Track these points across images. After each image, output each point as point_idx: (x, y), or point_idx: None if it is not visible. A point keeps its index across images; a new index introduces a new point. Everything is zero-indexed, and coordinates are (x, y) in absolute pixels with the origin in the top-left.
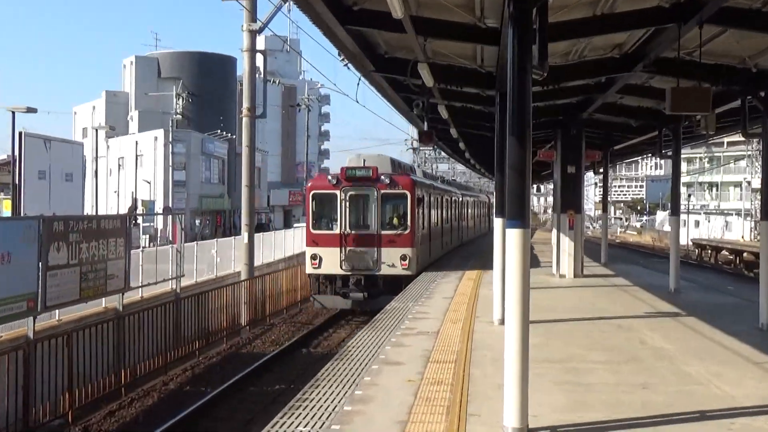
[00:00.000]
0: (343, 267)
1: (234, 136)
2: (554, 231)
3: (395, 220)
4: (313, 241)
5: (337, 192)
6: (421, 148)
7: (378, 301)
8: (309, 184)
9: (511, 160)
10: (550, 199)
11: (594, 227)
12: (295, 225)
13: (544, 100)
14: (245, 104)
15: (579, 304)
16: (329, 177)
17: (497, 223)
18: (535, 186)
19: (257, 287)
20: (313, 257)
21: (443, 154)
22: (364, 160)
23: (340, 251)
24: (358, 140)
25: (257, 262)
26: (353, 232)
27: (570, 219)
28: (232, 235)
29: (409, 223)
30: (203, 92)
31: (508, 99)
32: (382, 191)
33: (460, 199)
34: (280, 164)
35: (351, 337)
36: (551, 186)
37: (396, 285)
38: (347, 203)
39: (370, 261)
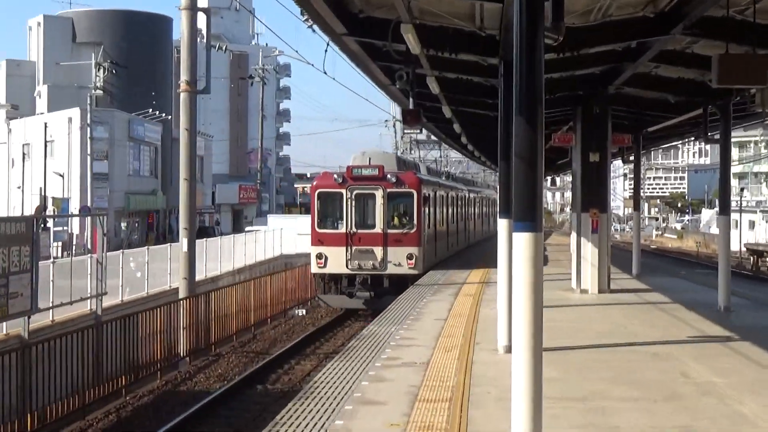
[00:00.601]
0: (349, 266)
1: (170, 117)
2: (573, 235)
3: (401, 219)
4: (318, 240)
5: (343, 191)
6: (406, 132)
7: (384, 300)
8: (314, 183)
9: (519, 147)
10: (568, 194)
11: (623, 230)
12: (248, 228)
13: (559, 70)
14: (183, 76)
15: (605, 328)
16: (335, 176)
17: (502, 225)
18: (549, 178)
19: (200, 307)
20: (319, 256)
21: (434, 138)
22: (370, 159)
23: (346, 250)
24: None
25: (200, 276)
26: (359, 231)
27: (593, 220)
28: (168, 241)
29: (415, 222)
30: (130, 61)
31: (515, 69)
32: (389, 190)
33: (467, 196)
34: (228, 152)
35: (319, 370)
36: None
37: (402, 284)
38: (353, 202)
39: (376, 260)
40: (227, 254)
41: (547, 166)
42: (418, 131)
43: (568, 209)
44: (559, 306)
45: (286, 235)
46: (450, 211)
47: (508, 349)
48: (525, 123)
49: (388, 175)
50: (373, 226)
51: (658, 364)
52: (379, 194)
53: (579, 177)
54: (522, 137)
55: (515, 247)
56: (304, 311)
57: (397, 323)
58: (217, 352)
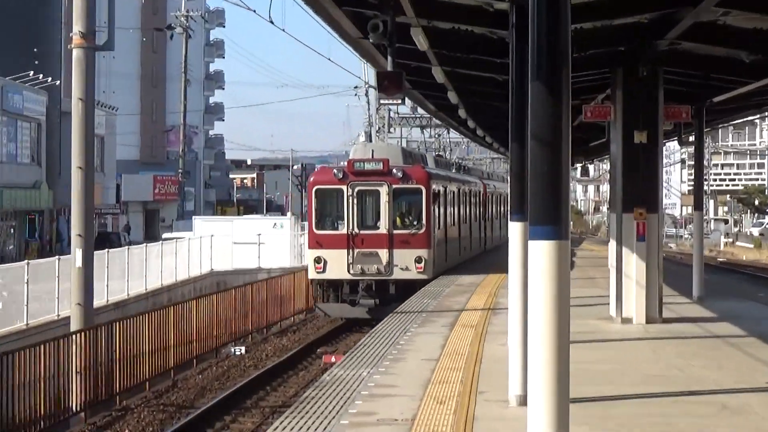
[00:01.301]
0: (351, 271)
1: (58, 83)
2: (612, 243)
3: (409, 219)
4: (316, 242)
5: (344, 187)
6: (383, 102)
7: (390, 308)
8: (311, 178)
9: (537, 123)
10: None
11: (680, 236)
12: (166, 236)
13: (593, 18)
14: (76, 26)
15: (655, 370)
16: (335, 170)
17: (514, 230)
18: (578, 166)
19: (100, 344)
20: (317, 260)
21: (422, 111)
22: (373, 151)
23: (348, 253)
24: (273, 89)
25: (99, 300)
26: (362, 231)
27: (639, 223)
28: (57, 253)
29: (424, 221)
30: (0, 6)
31: (531, 16)
32: (394, 186)
33: (483, 191)
34: (140, 131)
35: (263, 430)
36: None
37: (410, 291)
38: (355, 200)
39: (381, 264)
40: (138, 271)
41: (576, 149)
42: (399, 102)
43: (604, 208)
44: (593, 341)
45: (218, 244)
46: (463, 209)
47: (523, 401)
48: (545, 91)
49: (394, 170)
50: (378, 227)
51: (729, 419)
52: (383, 191)
53: (619, 164)
54: (541, 110)
55: (532, 260)
56: (242, 349)
57: (371, 364)
58: (123, 406)
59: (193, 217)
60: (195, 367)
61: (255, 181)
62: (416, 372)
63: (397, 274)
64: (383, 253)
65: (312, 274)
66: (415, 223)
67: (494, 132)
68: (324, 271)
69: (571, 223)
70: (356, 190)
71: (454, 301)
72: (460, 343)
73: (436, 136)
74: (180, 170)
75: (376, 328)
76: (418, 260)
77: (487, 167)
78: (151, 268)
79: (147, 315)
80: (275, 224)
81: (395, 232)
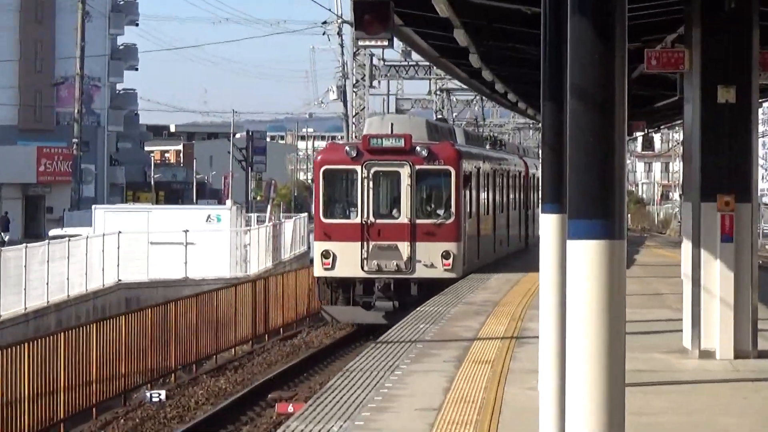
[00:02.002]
0: (366, 268)
1: None
2: (686, 245)
3: (435, 206)
4: (324, 233)
5: (358, 168)
6: (362, 44)
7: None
8: (319, 158)
9: (580, 76)
10: (677, 167)
11: None
12: (54, 232)
13: None
14: None
15: (747, 426)
16: (347, 148)
17: (546, 226)
18: (638, 136)
19: None
20: (325, 255)
21: (417, 57)
22: (392, 125)
23: (362, 247)
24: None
25: None
26: (379, 221)
27: (725, 216)
28: None
29: (453, 209)
30: None
31: None
32: (418, 167)
33: (523, 171)
34: (17, 85)
35: None
36: (679, 136)
37: (435, 292)
38: (371, 183)
39: (401, 259)
40: (14, 283)
41: (635, 112)
42: (386, 44)
43: (676, 195)
44: (659, 383)
45: (129, 245)
46: (500, 195)
47: None
48: (590, 29)
49: (417, 147)
50: (398, 215)
51: None
52: (405, 172)
53: (697, 133)
54: (584, 57)
55: (572, 268)
56: (162, 393)
57: (344, 416)
58: None
59: (94, 206)
60: (94, 419)
61: (181, 155)
62: (409, 428)
63: (420, 272)
64: (404, 247)
65: (319, 271)
66: (442, 211)
67: (520, 88)
68: (333, 267)
69: (628, 216)
70: (372, 171)
71: (462, 326)
72: (470, 387)
73: (437, 92)
74: (75, 140)
75: (352, 363)
76: (446, 255)
77: (510, 138)
78: (33, 279)
79: (25, 345)
80: (209, 217)
81: (418, 221)
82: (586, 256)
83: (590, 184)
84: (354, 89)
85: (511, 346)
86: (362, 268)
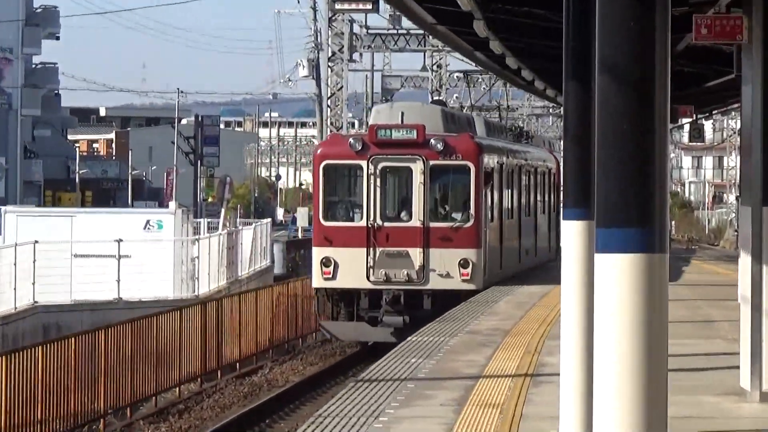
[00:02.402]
0: (372, 278)
1: None
2: (745, 260)
3: (452, 207)
4: (324, 238)
5: (363, 163)
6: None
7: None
8: (318, 151)
9: (611, 47)
10: (732, 162)
11: None
12: None
13: None
14: None
15: None
16: (351, 140)
17: (569, 232)
18: (685, 124)
19: None
20: (325, 263)
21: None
22: (403, 113)
23: (368, 254)
24: None
25: None
26: (387, 224)
27: None
28: None
29: (473, 211)
30: None
31: None
32: (433, 162)
33: (554, 168)
34: None
35: None
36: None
37: (451, 305)
38: (378, 180)
39: (412, 268)
40: None
41: (679, 94)
42: (368, 6)
43: (732, 198)
44: None
45: (47, 257)
46: (527, 195)
47: None
48: None
49: (432, 140)
50: (409, 218)
51: None
52: (417, 168)
53: (758, 121)
54: (617, 24)
55: (600, 288)
56: None
57: None
58: None
59: (3, 208)
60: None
61: (113, 146)
62: None
63: (435, 283)
64: (415, 254)
65: (318, 281)
66: (459, 213)
67: (537, 63)
68: (334, 277)
69: (672, 223)
70: (380, 167)
71: (464, 360)
72: None
73: (435, 68)
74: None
75: (326, 407)
76: (464, 264)
77: (525, 125)
78: None
79: None
80: (148, 223)
81: (432, 225)
82: (619, 273)
83: (624, 183)
84: (330, 64)
85: (525, 385)
86: (368, 278)
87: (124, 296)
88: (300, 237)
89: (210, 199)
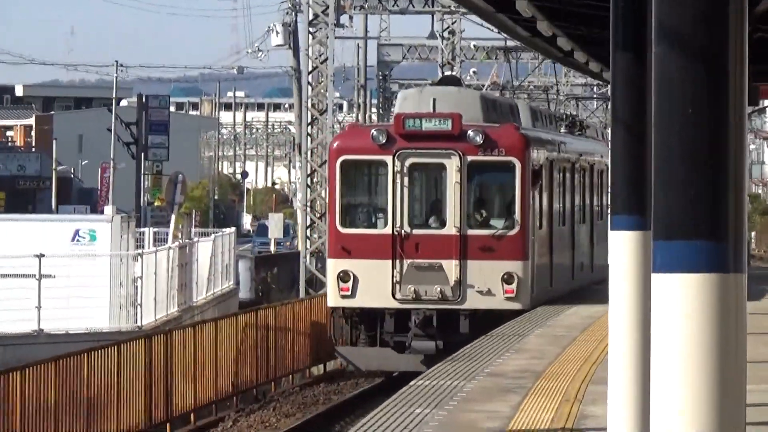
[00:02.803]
0: (399, 295)
1: None
2: None
3: (493, 212)
4: (342, 248)
5: (388, 159)
6: None
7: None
8: (335, 144)
9: (670, 5)
10: None
11: None
12: None
13: None
14: None
15: None
16: (373, 132)
17: (619, 245)
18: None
19: None
20: (342, 277)
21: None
22: (434, 100)
23: (393, 266)
24: None
25: None
26: (417, 231)
27: None
28: None
29: (518, 216)
30: None
31: None
32: (471, 158)
33: None
34: None
35: None
36: None
37: (492, 328)
38: (406, 179)
39: (446, 284)
40: None
41: (761, 68)
42: None
43: None
44: None
45: None
46: (582, 197)
47: None
48: None
49: (470, 132)
50: (442, 224)
51: None
52: (452, 166)
53: None
54: None
55: (659, 316)
56: None
57: None
58: None
59: None
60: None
61: (33, 134)
62: None
63: (473, 301)
64: (451, 267)
65: (334, 300)
66: (502, 219)
67: (576, 30)
68: (353, 294)
69: (751, 235)
70: (408, 163)
71: (483, 411)
72: None
73: (447, 35)
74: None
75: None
76: (508, 279)
77: (563, 110)
78: None
79: None
80: (78, 233)
81: (470, 233)
82: (683, 299)
83: (689, 183)
84: (311, 29)
85: None
86: (393, 295)
87: (46, 327)
88: (273, 251)
89: (157, 203)
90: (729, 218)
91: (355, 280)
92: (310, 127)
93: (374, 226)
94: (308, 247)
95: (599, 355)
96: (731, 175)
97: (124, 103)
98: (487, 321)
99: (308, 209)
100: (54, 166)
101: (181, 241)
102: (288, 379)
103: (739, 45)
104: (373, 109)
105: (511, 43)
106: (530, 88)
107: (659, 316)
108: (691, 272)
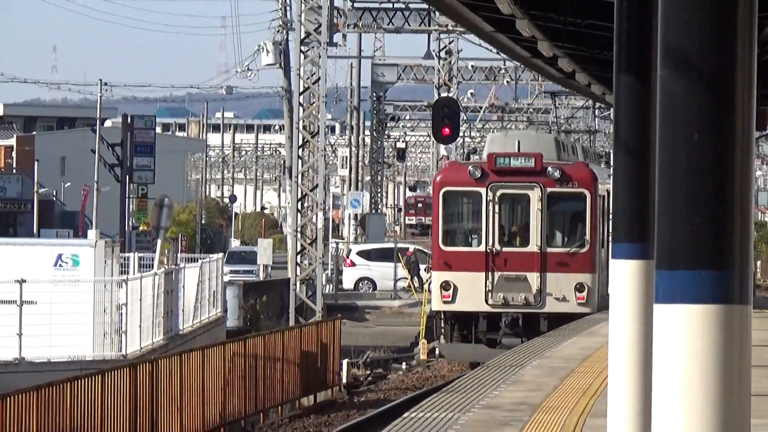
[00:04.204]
0: (491, 301)
1: None
2: None
3: (568, 233)
4: (444, 263)
5: (482, 190)
6: None
7: None
8: (438, 178)
9: (676, 27)
10: None
11: None
12: None
13: None
14: None
15: None
16: (470, 168)
17: (620, 274)
18: None
19: None
20: (444, 286)
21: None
22: (519, 143)
23: (487, 277)
24: None
25: None
26: (505, 249)
27: None
28: None
29: (588, 237)
30: None
31: None
32: (550, 189)
33: None
34: None
35: None
36: None
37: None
38: (497, 206)
39: (529, 292)
40: None
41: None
42: None
43: None
44: None
45: None
46: None
47: None
48: None
49: (549, 168)
50: (526, 243)
51: None
52: (535, 196)
53: None
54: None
55: (661, 349)
56: None
57: None
58: None
59: None
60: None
61: (13, 155)
62: None
63: (551, 306)
64: (533, 278)
65: (437, 305)
66: (576, 239)
67: (579, 51)
68: (453, 300)
69: (756, 264)
70: (498, 194)
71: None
72: None
73: (444, 55)
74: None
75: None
76: (579, 288)
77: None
78: None
79: None
80: (60, 258)
81: (549, 250)
82: (687, 331)
83: (693, 211)
84: (303, 48)
85: None
86: (486, 301)
87: (27, 355)
88: (261, 278)
89: (142, 227)
90: (734, 247)
91: (455, 288)
92: (301, 149)
93: (470, 244)
94: (298, 273)
95: (598, 388)
96: (737, 202)
97: (108, 123)
98: (561, 322)
99: (299, 235)
100: (36, 189)
101: (167, 266)
102: (277, 411)
103: (746, 68)
104: (367, 132)
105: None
106: (530, 111)
107: (661, 349)
108: (695, 303)
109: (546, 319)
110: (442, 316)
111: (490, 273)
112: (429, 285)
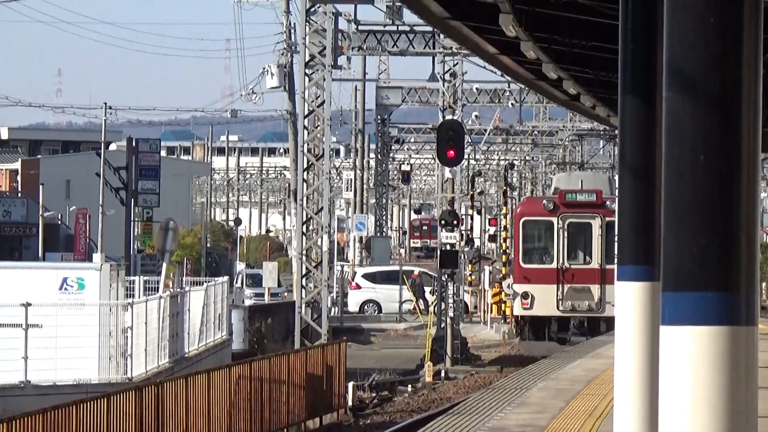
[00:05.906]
0: (561, 307)
1: None
2: None
3: None
4: (524, 277)
5: (554, 219)
6: None
7: None
8: (518, 210)
9: (682, 49)
10: None
11: None
12: None
13: None
14: None
15: None
16: (544, 202)
17: (626, 297)
18: None
19: None
20: (524, 296)
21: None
22: (582, 182)
23: (557, 288)
24: None
25: None
26: (572, 266)
27: None
28: None
29: None
30: None
31: None
32: (608, 219)
33: None
34: None
35: None
36: None
37: None
38: (566, 233)
39: (592, 300)
40: None
41: None
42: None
43: None
44: None
45: None
46: None
47: None
48: None
49: (608, 201)
50: (589, 261)
51: None
52: (596, 224)
53: None
54: (691, 22)
55: (668, 372)
56: None
57: None
58: None
59: None
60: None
61: (18, 178)
62: None
63: (610, 312)
64: (595, 289)
65: (518, 310)
66: None
67: (583, 73)
68: (531, 307)
69: (763, 285)
70: (567, 222)
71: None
72: None
73: (449, 77)
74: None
75: None
76: None
77: (567, 150)
78: None
79: None
80: (66, 282)
81: (608, 267)
82: (693, 353)
83: (699, 233)
84: (307, 71)
85: None
86: (557, 307)
87: (33, 379)
88: (267, 300)
89: (148, 251)
90: (741, 269)
91: (532, 297)
92: (306, 172)
93: (544, 262)
94: (303, 296)
95: (604, 409)
96: (743, 224)
97: (113, 147)
98: None
99: (304, 258)
100: (41, 212)
101: (172, 290)
102: None
103: (752, 90)
104: (371, 155)
105: (514, 86)
106: (534, 133)
107: (667, 370)
108: (702, 325)
109: (605, 322)
110: (522, 320)
111: (560, 285)
112: (502, 298)
